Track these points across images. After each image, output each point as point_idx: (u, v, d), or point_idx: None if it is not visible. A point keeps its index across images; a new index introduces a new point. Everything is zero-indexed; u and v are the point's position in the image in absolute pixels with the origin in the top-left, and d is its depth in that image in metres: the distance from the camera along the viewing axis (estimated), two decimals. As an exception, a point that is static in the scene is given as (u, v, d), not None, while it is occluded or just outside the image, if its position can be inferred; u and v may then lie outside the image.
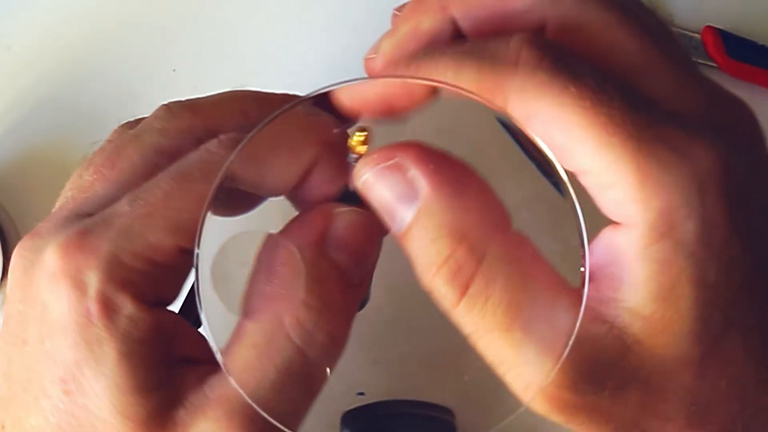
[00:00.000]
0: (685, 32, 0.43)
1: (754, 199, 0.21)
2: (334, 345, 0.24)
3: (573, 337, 0.20)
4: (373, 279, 0.25)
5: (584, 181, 0.21)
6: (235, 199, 0.25)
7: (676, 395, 0.20)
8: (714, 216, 0.20)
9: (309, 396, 0.24)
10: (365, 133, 0.24)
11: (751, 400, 0.21)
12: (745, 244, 0.20)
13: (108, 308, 0.22)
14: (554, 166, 0.22)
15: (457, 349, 0.35)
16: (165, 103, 0.25)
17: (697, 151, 0.20)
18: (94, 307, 0.22)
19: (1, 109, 0.43)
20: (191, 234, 0.23)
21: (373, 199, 0.23)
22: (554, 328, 0.21)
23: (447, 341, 0.36)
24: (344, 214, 0.24)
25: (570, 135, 0.20)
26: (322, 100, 0.25)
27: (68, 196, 0.25)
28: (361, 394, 0.33)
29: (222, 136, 0.23)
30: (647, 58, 0.22)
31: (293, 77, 0.43)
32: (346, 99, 0.24)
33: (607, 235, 0.21)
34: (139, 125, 0.25)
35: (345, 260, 0.24)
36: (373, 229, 0.24)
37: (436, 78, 0.22)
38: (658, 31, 0.23)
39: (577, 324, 0.20)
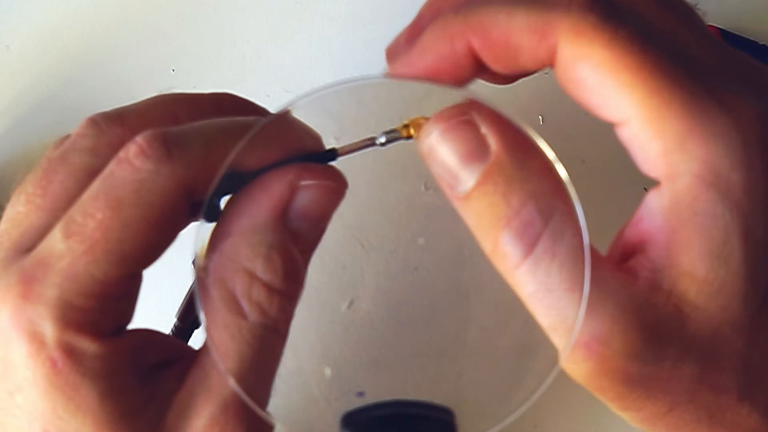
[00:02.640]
0: (685, 32, 0.43)
1: None
2: (291, 306, 0.24)
3: (578, 325, 0.20)
4: (375, 280, 0.25)
5: (626, 131, 0.21)
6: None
7: (730, 364, 0.20)
8: (759, 167, 0.19)
9: (275, 364, 0.25)
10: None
11: None
12: None
13: (72, 354, 0.21)
14: (554, 167, 0.22)
15: (456, 349, 0.35)
16: (90, 116, 0.24)
17: (741, 104, 0.20)
18: (58, 355, 0.21)
19: (0, 108, 0.43)
20: (136, 261, 0.22)
21: (438, 160, 0.22)
22: (611, 286, 0.20)
23: (447, 341, 0.36)
24: (310, 189, 0.24)
25: (617, 80, 0.20)
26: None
27: (2, 230, 0.24)
28: (361, 394, 0.33)
29: (142, 142, 0.22)
30: (680, 26, 0.22)
31: (292, 77, 0.43)
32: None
33: (651, 199, 0.21)
34: (66, 144, 0.24)
35: (305, 227, 0.24)
36: (337, 197, 0.25)
37: (487, 25, 0.22)
38: (683, 7, 0.23)
39: (580, 314, 0.20)
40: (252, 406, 0.23)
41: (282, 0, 0.44)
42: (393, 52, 0.27)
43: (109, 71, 0.43)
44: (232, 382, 0.23)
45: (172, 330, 0.34)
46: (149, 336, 0.25)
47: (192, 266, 0.23)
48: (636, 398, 0.21)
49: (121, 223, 0.22)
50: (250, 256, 0.23)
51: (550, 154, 0.21)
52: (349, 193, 0.26)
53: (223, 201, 0.25)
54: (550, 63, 0.21)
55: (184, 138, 0.23)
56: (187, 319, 0.34)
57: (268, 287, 0.23)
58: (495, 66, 0.23)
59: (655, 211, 0.21)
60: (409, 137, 0.24)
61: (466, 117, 0.22)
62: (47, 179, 0.23)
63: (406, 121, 0.24)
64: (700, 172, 0.19)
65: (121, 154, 0.22)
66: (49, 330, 0.21)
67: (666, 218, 0.20)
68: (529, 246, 0.21)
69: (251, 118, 0.24)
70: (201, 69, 0.43)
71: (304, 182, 0.24)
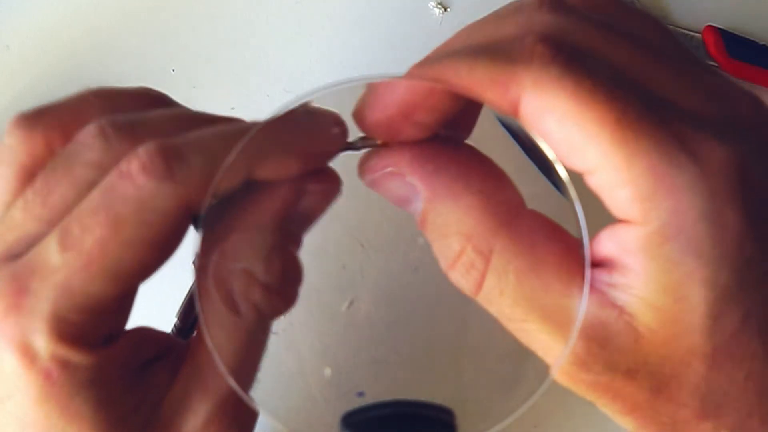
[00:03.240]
0: (686, 32, 0.43)
1: None
2: (287, 306, 0.25)
3: (577, 327, 0.21)
4: (375, 280, 0.25)
5: (594, 179, 0.21)
6: None
7: (690, 383, 0.21)
8: (726, 217, 0.19)
9: (261, 355, 0.25)
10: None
11: None
12: (763, 243, 0.20)
13: (66, 366, 0.21)
14: (554, 166, 0.22)
15: (457, 349, 0.35)
16: (100, 123, 0.23)
17: (711, 151, 0.20)
18: (52, 367, 0.21)
19: (0, 108, 0.43)
20: (133, 279, 0.22)
21: (383, 194, 0.23)
22: (568, 312, 0.21)
23: (447, 341, 0.36)
24: (314, 193, 0.25)
25: (583, 131, 0.20)
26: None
27: None
28: (361, 394, 0.33)
29: (143, 156, 0.21)
30: (649, 63, 0.22)
31: (292, 77, 0.43)
32: (369, 114, 0.24)
33: (618, 228, 0.21)
34: (70, 150, 0.23)
35: (299, 228, 0.25)
36: (333, 197, 0.25)
37: (448, 77, 0.22)
38: (657, 36, 0.23)
39: (580, 316, 0.21)
40: (249, 402, 0.23)
41: (282, 0, 0.44)
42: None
43: (109, 71, 0.43)
44: (232, 383, 0.23)
45: (172, 330, 0.34)
46: (139, 334, 0.24)
47: (192, 266, 0.23)
48: (598, 399, 0.22)
49: (121, 242, 0.21)
50: (251, 257, 0.23)
51: (551, 154, 0.21)
52: (349, 193, 0.26)
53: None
54: (514, 114, 0.21)
55: (186, 151, 0.22)
56: (187, 319, 0.34)
57: (267, 288, 0.23)
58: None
59: (620, 240, 0.21)
60: (385, 144, 0.24)
61: (388, 170, 0.23)
62: (48, 188, 0.23)
63: None
64: (666, 222, 0.20)
65: (123, 167, 0.22)
66: (42, 342, 0.21)
67: (632, 252, 0.20)
68: (476, 286, 0.22)
69: (252, 123, 0.24)
70: (201, 69, 0.43)
71: (311, 187, 0.24)
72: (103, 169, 0.22)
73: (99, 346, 0.22)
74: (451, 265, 0.22)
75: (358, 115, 0.24)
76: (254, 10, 0.44)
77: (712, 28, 0.42)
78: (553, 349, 0.21)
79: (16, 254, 0.22)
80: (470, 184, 0.22)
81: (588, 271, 0.21)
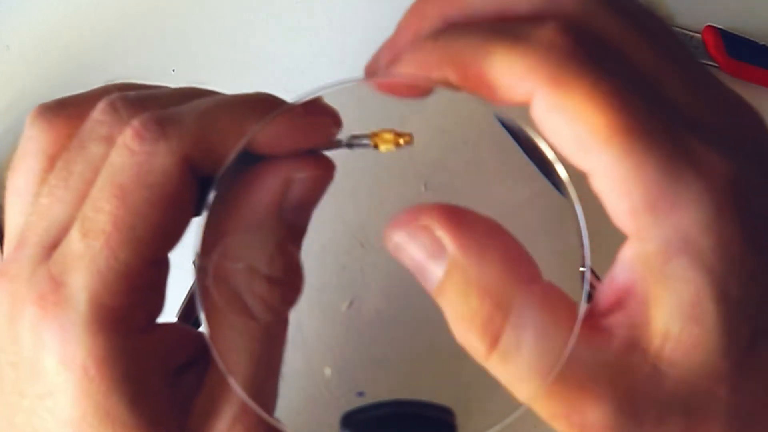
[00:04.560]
0: (686, 32, 0.43)
1: None
2: (294, 298, 0.25)
3: (577, 328, 0.20)
4: (375, 280, 0.25)
5: (598, 182, 0.20)
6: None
7: (717, 412, 0.20)
8: (730, 231, 0.19)
9: (280, 357, 0.25)
10: (403, 137, 0.24)
11: None
12: (763, 257, 0.20)
13: (104, 360, 0.21)
14: (554, 167, 0.22)
15: (457, 349, 0.35)
16: (110, 99, 0.23)
17: (715, 165, 0.20)
18: (89, 362, 0.21)
19: (0, 108, 0.43)
20: (152, 245, 0.22)
21: (404, 259, 0.23)
22: (590, 369, 0.20)
23: (447, 341, 0.36)
24: (303, 181, 0.24)
25: (594, 134, 0.20)
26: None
27: (29, 223, 0.23)
28: (361, 394, 0.33)
29: (137, 125, 0.22)
30: (661, 66, 0.21)
31: (292, 77, 0.43)
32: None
33: (625, 256, 0.21)
34: (84, 129, 0.23)
35: (296, 217, 0.25)
36: (326, 183, 0.25)
37: (461, 61, 0.21)
38: (666, 38, 0.23)
39: (574, 336, 0.20)
40: (253, 406, 0.23)
41: (282, 0, 0.44)
42: (372, 72, 0.26)
43: (109, 71, 0.43)
44: (231, 382, 0.23)
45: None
46: (175, 330, 0.24)
47: (192, 266, 0.23)
48: None
49: (128, 209, 0.22)
50: (252, 253, 0.23)
51: (551, 154, 0.21)
52: (349, 193, 0.26)
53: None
54: (526, 103, 0.21)
55: (178, 115, 0.23)
56: (188, 319, 0.34)
57: (272, 282, 0.23)
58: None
59: (629, 267, 0.20)
60: (376, 147, 0.24)
61: (420, 223, 0.22)
62: (67, 170, 0.23)
63: (374, 131, 0.25)
64: (670, 237, 0.19)
65: (119, 140, 0.22)
66: (80, 336, 0.21)
67: (639, 275, 0.20)
68: (492, 341, 0.21)
69: (247, 95, 0.25)
70: (201, 69, 0.43)
71: (298, 175, 0.24)
72: (114, 143, 0.23)
73: (138, 331, 0.22)
74: (467, 323, 0.22)
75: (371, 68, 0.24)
76: (254, 9, 0.44)
77: (712, 28, 0.42)
78: (571, 407, 0.21)
79: (50, 245, 0.22)
80: (495, 245, 0.22)
81: (587, 273, 0.21)
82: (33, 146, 0.24)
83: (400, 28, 0.26)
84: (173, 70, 0.43)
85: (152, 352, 0.23)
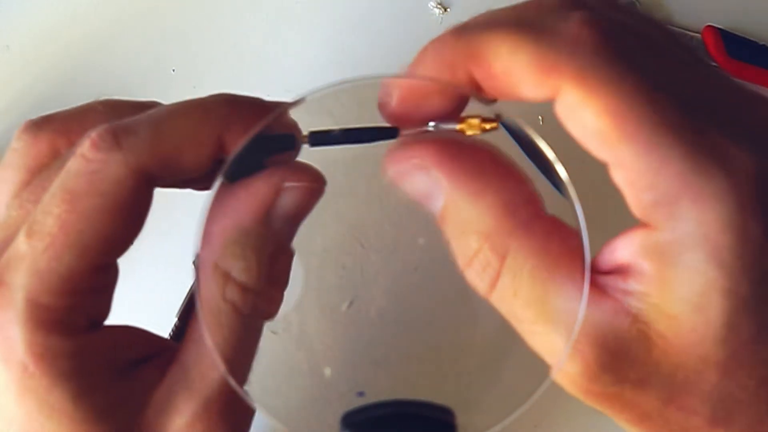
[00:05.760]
0: (685, 32, 0.43)
1: None
2: (271, 303, 0.25)
3: (577, 327, 0.21)
4: (375, 280, 0.25)
5: (621, 174, 0.20)
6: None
7: (701, 391, 0.20)
8: (750, 229, 0.19)
9: (252, 353, 0.25)
10: (489, 122, 0.24)
11: None
12: None
13: (43, 356, 0.21)
14: (554, 166, 0.22)
15: (457, 349, 0.35)
16: (106, 127, 0.23)
17: (740, 161, 0.20)
18: (28, 359, 0.21)
19: (0, 108, 0.43)
20: (98, 251, 0.22)
21: (405, 188, 0.23)
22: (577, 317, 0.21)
23: (447, 341, 0.36)
24: (293, 191, 0.24)
25: (621, 128, 0.20)
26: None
27: None
28: (361, 394, 0.33)
29: (93, 135, 0.22)
30: (681, 62, 0.21)
31: (292, 77, 0.43)
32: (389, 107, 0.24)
33: (636, 234, 0.21)
34: (68, 152, 0.24)
35: (284, 226, 0.25)
36: (315, 197, 0.25)
37: (485, 56, 0.21)
38: (677, 40, 0.23)
39: (580, 316, 0.21)
40: (246, 399, 0.23)
41: (282, 0, 0.44)
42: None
43: (109, 71, 0.43)
44: (232, 383, 0.23)
45: (172, 329, 0.34)
46: (126, 331, 0.24)
47: (192, 266, 0.23)
48: (606, 410, 0.22)
49: (78, 215, 0.22)
50: (227, 258, 0.23)
51: (551, 154, 0.21)
52: (349, 193, 0.26)
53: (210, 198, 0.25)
54: (550, 99, 0.21)
55: (133, 125, 0.23)
56: (188, 318, 0.34)
57: (243, 288, 0.23)
58: (493, 94, 0.23)
59: (639, 247, 0.21)
60: (462, 132, 0.24)
61: (415, 161, 0.23)
62: (42, 186, 0.23)
63: (461, 116, 0.24)
64: (689, 231, 0.19)
65: (77, 150, 0.22)
66: (18, 333, 0.21)
67: (650, 259, 0.20)
68: (490, 285, 0.22)
69: (204, 98, 0.25)
70: (201, 69, 0.43)
71: (288, 184, 0.24)
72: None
73: (79, 332, 0.22)
74: (467, 263, 0.22)
75: (383, 106, 0.24)
76: (254, 10, 0.44)
77: (712, 28, 0.42)
78: (561, 353, 0.21)
79: (3, 251, 0.23)
80: (492, 183, 0.22)
81: (588, 272, 0.21)
82: (15, 159, 0.25)
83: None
84: (173, 70, 0.43)
85: (96, 350, 0.23)
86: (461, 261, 0.22)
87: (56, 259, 0.22)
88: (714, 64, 0.42)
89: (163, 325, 0.28)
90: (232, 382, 0.23)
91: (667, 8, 0.43)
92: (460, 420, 0.24)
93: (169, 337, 0.33)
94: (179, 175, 0.23)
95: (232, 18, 0.44)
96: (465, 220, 0.22)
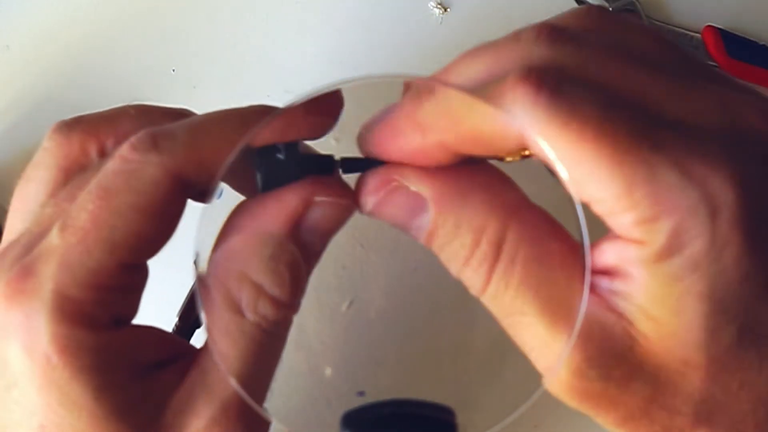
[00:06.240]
0: (685, 32, 0.43)
1: None
2: (292, 315, 0.25)
3: (577, 327, 0.21)
4: (375, 280, 0.25)
5: (596, 208, 0.21)
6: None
7: (684, 392, 0.21)
8: (725, 234, 0.20)
9: (274, 365, 0.25)
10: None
11: (764, 402, 0.21)
12: (762, 258, 0.20)
13: (66, 348, 0.21)
14: (554, 167, 0.22)
15: (457, 349, 0.35)
16: (139, 134, 0.23)
17: (710, 170, 0.20)
18: (51, 350, 0.21)
19: (0, 108, 0.43)
20: (129, 249, 0.22)
21: (386, 220, 0.23)
22: (568, 306, 0.21)
23: (447, 341, 0.36)
24: (323, 205, 0.24)
25: (580, 167, 0.20)
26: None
27: (27, 229, 0.24)
28: (362, 394, 0.33)
29: (132, 139, 0.23)
30: (645, 80, 0.22)
31: (292, 77, 0.43)
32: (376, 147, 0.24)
33: (620, 241, 0.21)
34: (106, 159, 0.24)
35: (312, 241, 0.25)
36: (346, 213, 0.25)
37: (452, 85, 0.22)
38: (656, 47, 0.23)
39: (580, 316, 0.21)
40: (251, 404, 0.23)
41: (282, 0, 0.44)
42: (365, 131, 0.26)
43: (109, 71, 0.43)
44: (233, 382, 0.23)
45: (173, 329, 0.34)
46: (151, 332, 0.25)
47: (193, 266, 0.23)
48: (591, 409, 0.22)
49: (111, 211, 0.22)
50: (259, 268, 0.23)
51: (551, 154, 0.21)
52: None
53: (228, 204, 0.25)
54: (525, 149, 0.22)
55: (172, 130, 0.23)
56: (188, 318, 0.34)
57: (275, 301, 0.23)
58: (475, 153, 0.23)
59: (622, 254, 0.21)
60: (501, 159, 0.24)
61: (393, 185, 0.23)
62: (79, 187, 0.24)
63: None
64: (667, 242, 0.20)
65: (116, 152, 0.23)
66: (43, 324, 0.21)
67: (633, 265, 0.21)
68: (487, 276, 0.22)
69: (240, 108, 0.25)
70: (201, 69, 0.43)
71: (318, 198, 0.24)
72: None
73: (104, 328, 0.22)
74: (465, 261, 0.22)
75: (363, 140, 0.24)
76: (254, 10, 0.44)
77: (711, 28, 0.42)
78: (549, 345, 0.21)
79: (35, 245, 0.23)
80: (476, 183, 0.23)
81: (588, 273, 0.21)
82: (47, 158, 0.25)
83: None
84: (173, 70, 0.43)
85: (120, 348, 0.23)
86: (457, 264, 0.23)
87: (86, 253, 0.22)
88: (714, 64, 0.42)
89: (163, 326, 0.28)
90: (234, 383, 0.23)
91: (667, 8, 0.43)
92: (461, 420, 0.24)
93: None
94: (210, 182, 0.23)
95: (232, 18, 0.44)
96: (456, 224, 0.22)
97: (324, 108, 0.25)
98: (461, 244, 0.22)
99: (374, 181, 0.24)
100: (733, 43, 0.42)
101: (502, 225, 0.22)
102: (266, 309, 0.23)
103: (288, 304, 0.24)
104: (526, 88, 0.20)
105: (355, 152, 0.25)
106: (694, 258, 0.20)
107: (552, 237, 0.22)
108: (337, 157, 0.25)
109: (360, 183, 0.24)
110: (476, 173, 0.23)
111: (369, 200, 0.24)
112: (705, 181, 0.20)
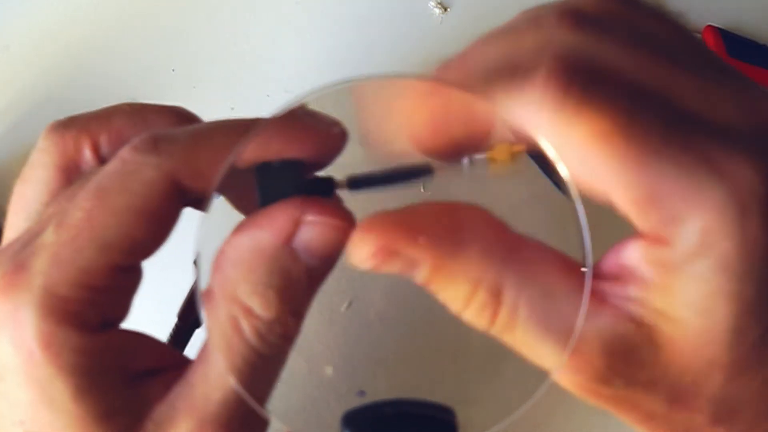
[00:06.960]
0: (685, 32, 0.43)
1: None
2: (290, 332, 0.24)
3: (579, 327, 0.21)
4: (374, 280, 0.25)
5: (622, 207, 0.21)
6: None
7: (707, 392, 0.21)
8: (755, 233, 0.19)
9: (276, 377, 0.25)
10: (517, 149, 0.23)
11: None
12: None
13: (50, 345, 0.21)
14: (555, 166, 0.22)
15: (457, 348, 0.35)
16: (151, 134, 0.23)
17: (739, 169, 0.20)
18: (35, 346, 0.21)
19: (0, 108, 0.43)
20: (121, 250, 0.22)
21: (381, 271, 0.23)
22: (582, 334, 0.21)
23: (447, 341, 0.36)
24: (314, 225, 0.24)
25: (606, 166, 0.20)
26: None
27: (28, 227, 0.24)
28: (362, 393, 0.33)
29: (135, 140, 0.23)
30: (671, 75, 0.21)
31: (292, 77, 0.43)
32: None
33: (643, 243, 0.21)
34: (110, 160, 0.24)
35: (312, 261, 0.24)
36: (342, 235, 0.24)
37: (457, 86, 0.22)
38: (680, 42, 0.23)
39: (579, 321, 0.21)
40: (252, 404, 0.23)
41: (282, 0, 0.44)
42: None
43: (109, 71, 0.43)
44: (232, 381, 0.23)
45: (173, 329, 0.34)
46: (140, 339, 0.24)
47: (193, 266, 0.23)
48: (614, 410, 0.22)
49: (106, 210, 0.22)
50: (247, 292, 0.23)
51: (552, 154, 0.21)
52: (349, 194, 0.25)
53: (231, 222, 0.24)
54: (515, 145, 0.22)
55: (174, 134, 0.23)
56: (188, 319, 0.34)
57: (265, 321, 0.23)
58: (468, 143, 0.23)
59: (643, 256, 0.21)
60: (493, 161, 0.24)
61: (388, 253, 0.22)
62: (81, 186, 0.23)
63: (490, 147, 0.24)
64: (694, 242, 0.20)
65: (118, 153, 0.23)
66: (30, 318, 0.21)
67: (654, 268, 0.20)
68: (490, 322, 0.22)
69: (245, 118, 0.24)
70: (201, 69, 0.43)
71: (309, 218, 0.23)
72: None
73: (91, 329, 0.22)
74: (462, 308, 0.22)
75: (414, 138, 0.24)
76: (254, 10, 0.44)
77: (712, 28, 0.42)
78: (569, 370, 0.21)
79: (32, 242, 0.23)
80: (466, 233, 0.22)
81: (589, 272, 0.21)
82: (43, 158, 0.25)
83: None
84: (173, 70, 0.43)
85: (105, 351, 0.22)
86: (455, 306, 0.22)
87: (78, 251, 0.22)
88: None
89: (162, 325, 0.28)
90: (239, 388, 0.23)
91: (667, 8, 0.43)
92: (461, 419, 0.24)
93: (169, 338, 0.33)
94: (208, 189, 0.23)
95: (232, 18, 0.44)
96: (451, 276, 0.22)
97: (324, 139, 0.25)
98: (458, 291, 0.22)
99: (365, 246, 0.23)
100: (733, 43, 0.42)
101: (499, 272, 0.22)
102: (258, 327, 0.23)
103: (281, 323, 0.23)
104: (559, 81, 0.20)
105: (355, 152, 0.25)
106: (724, 258, 0.19)
107: (553, 268, 0.22)
108: (339, 178, 0.25)
109: (352, 248, 0.23)
110: (464, 220, 0.23)
111: (362, 264, 0.23)
112: (733, 178, 0.19)
